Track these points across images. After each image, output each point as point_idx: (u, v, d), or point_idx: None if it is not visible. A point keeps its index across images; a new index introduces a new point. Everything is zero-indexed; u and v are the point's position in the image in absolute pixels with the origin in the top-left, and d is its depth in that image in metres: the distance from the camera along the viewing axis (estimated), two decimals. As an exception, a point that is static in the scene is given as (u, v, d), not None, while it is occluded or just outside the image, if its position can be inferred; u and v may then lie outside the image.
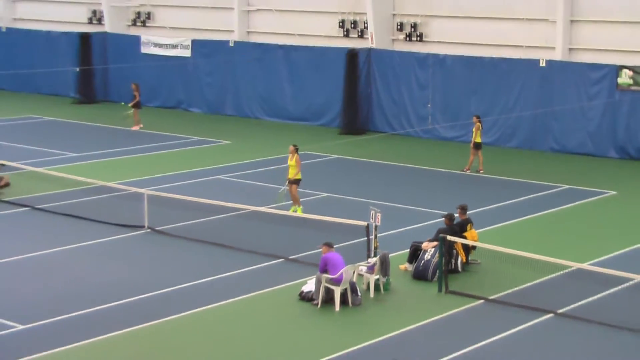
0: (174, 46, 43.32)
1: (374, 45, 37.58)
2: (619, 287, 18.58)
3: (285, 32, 40.48)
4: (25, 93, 47.89)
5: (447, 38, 36.62)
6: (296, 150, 24.67)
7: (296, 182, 24.54)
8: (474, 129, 30.15)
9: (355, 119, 37.66)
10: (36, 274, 19.80)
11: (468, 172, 30.11)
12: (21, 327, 16.68)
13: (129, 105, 38.82)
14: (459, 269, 19.81)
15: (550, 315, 17.42)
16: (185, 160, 31.98)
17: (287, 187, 24.62)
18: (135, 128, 38.07)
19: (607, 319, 17.05)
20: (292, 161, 24.55)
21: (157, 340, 16.28)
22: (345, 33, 39.10)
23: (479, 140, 30.10)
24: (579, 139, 33.39)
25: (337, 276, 17.65)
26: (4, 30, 49.52)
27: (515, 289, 18.79)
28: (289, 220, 22.95)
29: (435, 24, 37.11)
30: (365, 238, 19.73)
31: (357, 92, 37.67)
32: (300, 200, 24.71)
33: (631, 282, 18.37)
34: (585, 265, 18.99)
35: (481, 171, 30.07)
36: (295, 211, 24.01)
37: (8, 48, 48.84)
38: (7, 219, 24.24)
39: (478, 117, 30.51)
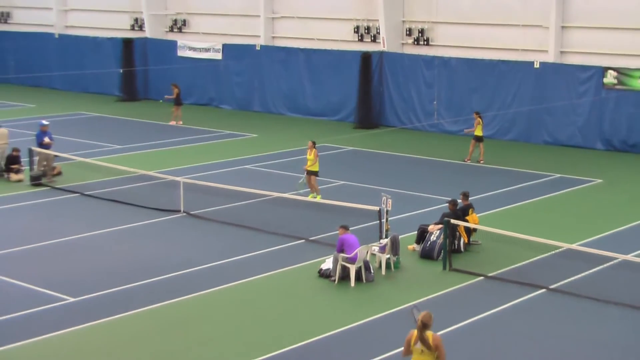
0: (207, 50, 43.31)
1: (385, 49, 37.44)
2: (605, 265, 18.53)
3: (306, 37, 40.37)
4: (75, 92, 48.03)
5: (451, 42, 36.43)
6: (314, 145, 24.60)
7: (314, 173, 24.42)
8: (474, 124, 30.04)
9: (368, 115, 37.54)
10: (85, 253, 19.89)
11: (469, 162, 30.00)
12: (72, 299, 16.78)
13: (165, 99, 39.05)
14: (462, 249, 19.77)
15: (543, 290, 17.37)
16: (217, 151, 31.98)
17: (305, 177, 24.55)
18: (172, 123, 38.11)
19: (594, 293, 16.99)
20: (310, 155, 24.48)
21: (191, 311, 16.32)
22: (359, 38, 38.97)
23: (479, 133, 29.98)
24: (569, 132, 33.21)
25: (352, 255, 17.64)
26: (57, 36, 49.65)
27: (512, 266, 18.74)
28: (309, 205, 22.94)
29: (441, 29, 36.93)
30: (378, 221, 19.70)
31: (370, 90, 37.55)
32: (320, 187, 24.65)
33: (615, 261, 18.32)
34: (575, 246, 18.89)
35: (481, 161, 29.95)
36: (315, 197, 23.97)
37: (60, 52, 49.06)
38: (59, 204, 24.35)
39: (478, 113, 30.39)
